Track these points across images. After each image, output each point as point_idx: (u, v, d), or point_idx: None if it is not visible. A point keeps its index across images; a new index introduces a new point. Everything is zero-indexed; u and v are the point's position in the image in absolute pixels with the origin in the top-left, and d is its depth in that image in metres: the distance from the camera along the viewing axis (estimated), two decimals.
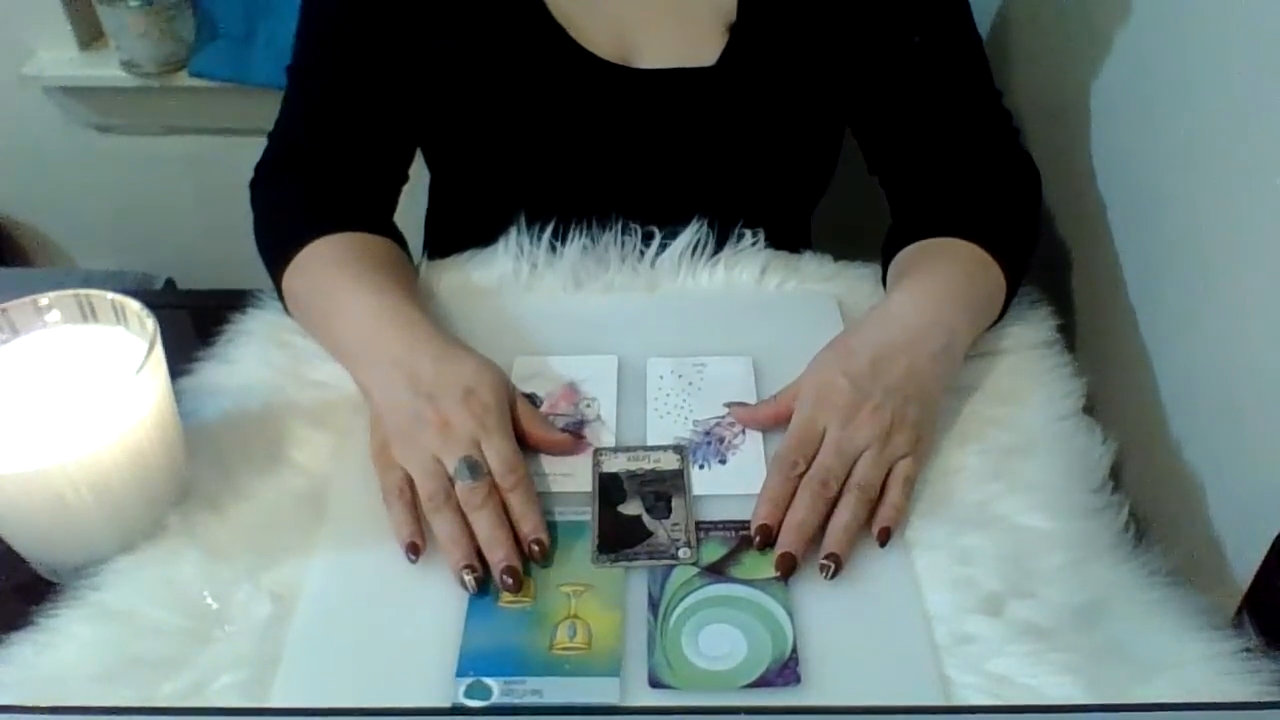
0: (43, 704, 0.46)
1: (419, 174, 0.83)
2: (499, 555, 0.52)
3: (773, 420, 0.59)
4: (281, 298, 0.69)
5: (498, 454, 0.55)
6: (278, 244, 0.69)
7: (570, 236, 0.73)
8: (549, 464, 0.59)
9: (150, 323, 0.53)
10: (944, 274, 0.65)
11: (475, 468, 0.54)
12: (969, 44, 0.75)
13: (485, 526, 0.52)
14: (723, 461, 0.59)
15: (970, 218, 0.69)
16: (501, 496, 0.54)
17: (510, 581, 0.51)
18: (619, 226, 0.73)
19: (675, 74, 0.73)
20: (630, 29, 0.73)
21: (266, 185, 0.75)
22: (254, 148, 0.78)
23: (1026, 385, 0.64)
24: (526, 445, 0.58)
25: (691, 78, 0.73)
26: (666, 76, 0.73)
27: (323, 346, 0.66)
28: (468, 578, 0.51)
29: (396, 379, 0.58)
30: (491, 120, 0.75)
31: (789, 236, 0.78)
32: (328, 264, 0.67)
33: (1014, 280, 0.67)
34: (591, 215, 0.73)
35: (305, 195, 0.73)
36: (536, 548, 0.52)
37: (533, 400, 0.63)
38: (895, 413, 0.56)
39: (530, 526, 0.53)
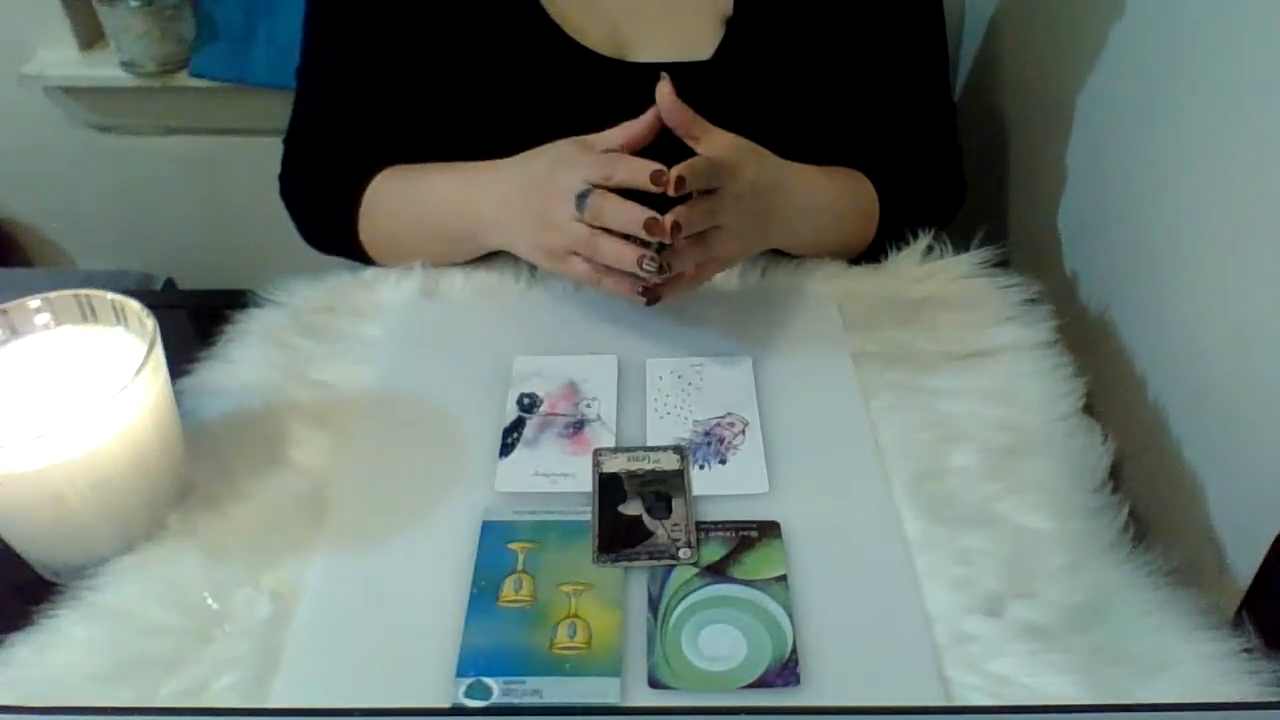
0: (42, 704, 0.46)
1: None
2: (638, 218, 0.59)
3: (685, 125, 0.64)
4: (357, 246, 0.76)
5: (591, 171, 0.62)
6: (337, 196, 0.76)
7: None
8: (550, 464, 0.59)
9: (150, 323, 0.53)
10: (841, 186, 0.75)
11: (580, 196, 0.61)
12: (934, 52, 0.79)
13: (616, 216, 0.60)
14: (723, 461, 0.59)
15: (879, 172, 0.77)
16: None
17: (656, 227, 0.59)
18: None
19: (671, 68, 0.73)
20: (625, 23, 0.74)
21: (296, 176, 0.80)
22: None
23: (1026, 385, 0.64)
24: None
25: (687, 72, 0.73)
26: (662, 70, 0.73)
27: (433, 251, 0.74)
28: (647, 264, 0.60)
29: (511, 218, 0.67)
30: (488, 116, 0.75)
31: None
32: (398, 177, 0.75)
33: (885, 227, 0.75)
34: None
35: (341, 163, 0.78)
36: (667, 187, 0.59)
37: (532, 400, 0.63)
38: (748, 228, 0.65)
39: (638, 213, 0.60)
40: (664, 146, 0.76)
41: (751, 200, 0.65)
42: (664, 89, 0.63)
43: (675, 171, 0.60)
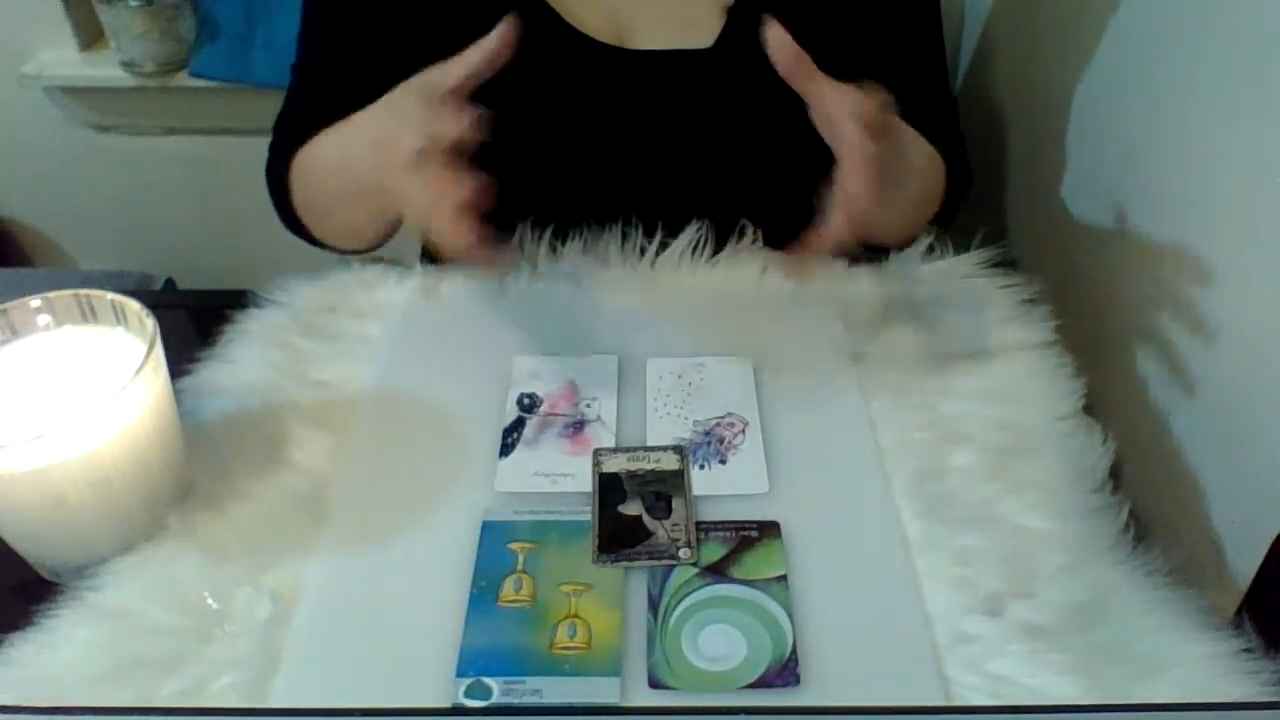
0: (43, 704, 0.46)
1: None
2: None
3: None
4: (302, 225, 0.76)
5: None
6: (283, 175, 0.74)
7: (570, 236, 0.73)
8: (550, 464, 0.59)
9: (150, 323, 0.53)
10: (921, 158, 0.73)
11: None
12: (932, 40, 0.79)
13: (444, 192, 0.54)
14: (723, 462, 0.59)
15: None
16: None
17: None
18: (619, 226, 0.73)
19: (672, 55, 0.73)
20: (625, 10, 0.73)
21: (275, 163, 0.78)
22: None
23: (1026, 385, 0.64)
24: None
25: (688, 59, 0.73)
26: (663, 58, 0.73)
27: (351, 209, 0.71)
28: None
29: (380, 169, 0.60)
30: (484, 105, 0.75)
31: (789, 232, 0.78)
32: (309, 143, 0.72)
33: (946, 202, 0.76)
34: (588, 201, 0.73)
35: None
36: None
37: (532, 400, 0.63)
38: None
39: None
40: (666, 133, 0.75)
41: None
42: (775, 31, 0.57)
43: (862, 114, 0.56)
